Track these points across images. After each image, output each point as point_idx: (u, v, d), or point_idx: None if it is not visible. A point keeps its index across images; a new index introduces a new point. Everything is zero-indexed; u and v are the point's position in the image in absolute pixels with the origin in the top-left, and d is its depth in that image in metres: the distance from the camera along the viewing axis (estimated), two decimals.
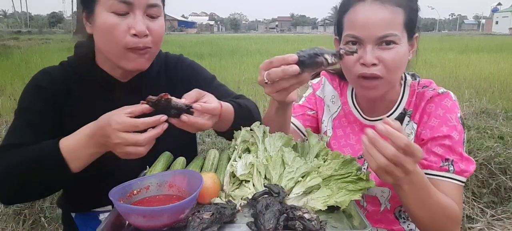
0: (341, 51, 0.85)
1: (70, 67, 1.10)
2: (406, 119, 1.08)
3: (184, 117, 0.84)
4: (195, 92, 0.91)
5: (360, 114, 1.16)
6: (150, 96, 0.82)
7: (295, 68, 0.83)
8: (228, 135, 1.07)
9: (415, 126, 1.06)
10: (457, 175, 0.95)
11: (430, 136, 1.00)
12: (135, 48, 0.97)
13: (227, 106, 1.02)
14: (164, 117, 0.83)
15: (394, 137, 0.72)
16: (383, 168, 0.75)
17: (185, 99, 0.86)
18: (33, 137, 0.96)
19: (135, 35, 0.95)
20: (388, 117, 1.10)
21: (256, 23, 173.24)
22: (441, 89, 1.05)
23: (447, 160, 0.96)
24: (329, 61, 0.84)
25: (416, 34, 1.03)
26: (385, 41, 0.95)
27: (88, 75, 1.08)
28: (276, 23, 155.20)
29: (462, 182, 0.96)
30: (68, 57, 1.13)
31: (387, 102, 1.10)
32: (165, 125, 0.84)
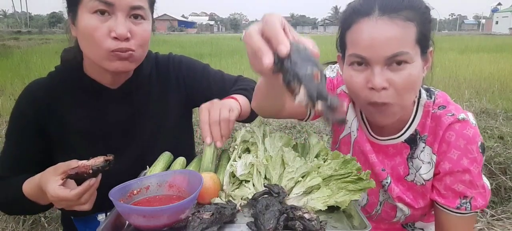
0: (319, 106, 0.54)
1: (58, 77, 1.07)
2: (421, 144, 0.99)
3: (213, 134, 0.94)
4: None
5: (369, 132, 1.06)
6: (69, 171, 0.80)
7: (267, 61, 0.58)
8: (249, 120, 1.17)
9: (434, 158, 0.97)
10: (473, 210, 0.94)
11: (449, 170, 0.94)
12: (117, 50, 0.93)
13: (242, 99, 1.09)
14: (92, 181, 0.81)
15: None
16: None
17: (97, 158, 0.82)
18: (18, 167, 1.02)
19: (115, 38, 0.91)
20: (398, 137, 1.01)
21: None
22: (461, 115, 0.94)
23: (465, 197, 0.93)
24: (297, 97, 0.55)
25: (431, 48, 0.92)
26: (395, 61, 0.83)
27: (76, 83, 1.05)
28: None
29: (477, 211, 0.96)
30: (55, 66, 1.10)
31: (397, 123, 0.97)
32: (97, 183, 0.83)
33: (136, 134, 1.11)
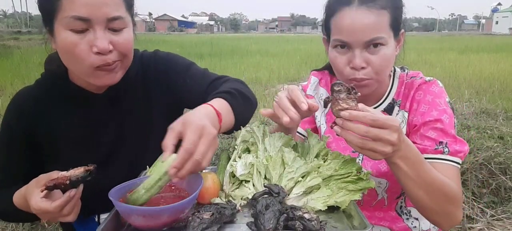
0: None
1: (45, 85, 1.05)
2: (396, 108, 1.11)
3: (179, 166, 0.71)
4: (171, 133, 0.75)
5: None
6: (47, 184, 0.79)
7: (286, 119, 0.88)
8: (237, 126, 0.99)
9: (406, 114, 1.08)
10: (452, 156, 0.96)
11: (422, 121, 1.02)
12: (103, 65, 0.89)
13: (224, 108, 0.89)
14: (72, 192, 0.80)
15: (359, 117, 0.76)
16: (361, 146, 0.78)
17: (82, 168, 0.80)
18: (10, 178, 1.02)
19: (98, 53, 0.87)
20: (376, 107, 1.12)
21: (256, 23, 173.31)
22: (428, 78, 1.08)
23: (441, 143, 0.98)
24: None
25: (402, 30, 1.05)
26: (372, 44, 0.97)
27: (63, 91, 1.03)
28: (276, 23, 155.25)
29: (458, 163, 0.97)
30: (41, 74, 1.07)
31: (376, 95, 1.12)
32: (78, 194, 0.82)
33: (126, 138, 1.09)
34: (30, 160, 1.03)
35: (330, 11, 1.03)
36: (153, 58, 1.15)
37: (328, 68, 1.28)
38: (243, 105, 0.98)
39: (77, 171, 0.79)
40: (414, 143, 1.02)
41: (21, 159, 1.03)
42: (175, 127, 0.75)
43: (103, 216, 1.09)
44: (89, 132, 1.05)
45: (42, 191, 0.80)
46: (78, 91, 1.03)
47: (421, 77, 1.09)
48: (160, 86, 1.12)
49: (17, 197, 0.93)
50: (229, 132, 0.98)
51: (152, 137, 1.11)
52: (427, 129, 1.00)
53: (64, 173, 0.79)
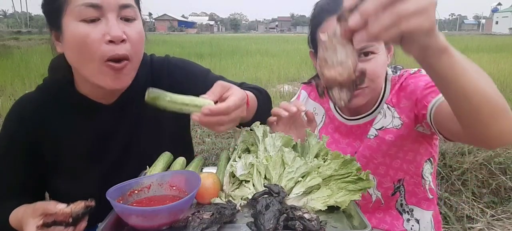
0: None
1: (48, 92, 1.00)
2: (389, 112, 1.09)
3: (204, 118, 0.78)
4: (219, 87, 0.83)
5: (343, 117, 1.18)
6: (45, 220, 0.74)
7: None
8: (250, 123, 1.03)
9: (395, 111, 1.07)
10: None
11: (419, 92, 0.98)
12: (112, 58, 0.85)
13: (252, 100, 0.96)
14: (70, 229, 0.75)
15: None
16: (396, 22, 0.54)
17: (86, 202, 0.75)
18: (10, 192, 0.98)
19: (111, 41, 0.84)
20: (370, 114, 1.12)
21: (256, 23, 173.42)
22: (413, 70, 1.08)
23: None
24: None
25: None
26: (363, 53, 0.95)
27: (67, 101, 0.98)
28: (276, 23, 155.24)
29: None
30: (44, 79, 1.02)
31: (369, 102, 1.12)
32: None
33: (133, 150, 1.06)
34: (31, 170, 0.99)
35: (317, 22, 1.02)
36: (166, 64, 1.11)
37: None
38: (264, 102, 1.05)
39: (78, 206, 0.74)
40: (424, 106, 0.96)
41: (21, 169, 0.98)
42: (224, 85, 0.83)
43: None
44: (95, 143, 1.01)
45: (37, 228, 0.74)
46: (84, 101, 0.99)
47: (406, 71, 1.10)
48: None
49: (14, 218, 0.89)
50: (246, 124, 1.03)
51: (161, 149, 1.06)
52: (424, 92, 0.96)
53: (65, 209, 0.74)
